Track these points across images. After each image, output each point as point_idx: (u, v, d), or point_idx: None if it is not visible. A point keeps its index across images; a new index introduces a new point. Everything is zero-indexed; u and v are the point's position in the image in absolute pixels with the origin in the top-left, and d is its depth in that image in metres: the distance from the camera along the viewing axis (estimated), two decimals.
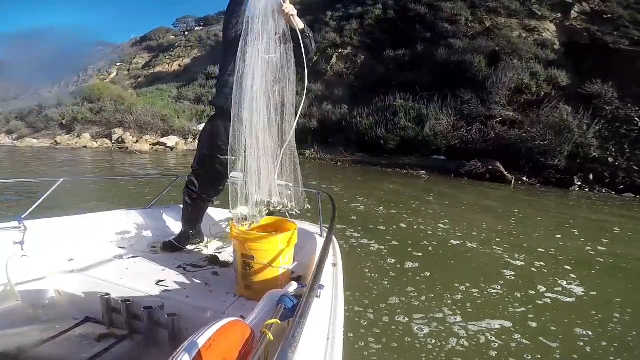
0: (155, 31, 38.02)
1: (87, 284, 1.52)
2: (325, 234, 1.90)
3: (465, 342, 2.14)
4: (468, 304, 2.60)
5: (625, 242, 4.51)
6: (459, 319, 2.39)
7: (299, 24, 1.62)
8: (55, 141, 19.87)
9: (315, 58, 19.21)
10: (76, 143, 19.11)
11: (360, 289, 2.76)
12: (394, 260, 3.41)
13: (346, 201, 6.08)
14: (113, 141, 18.85)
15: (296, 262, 1.58)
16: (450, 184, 8.88)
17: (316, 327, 0.96)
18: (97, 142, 19.05)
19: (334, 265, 1.49)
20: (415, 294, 2.73)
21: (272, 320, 0.85)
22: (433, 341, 2.15)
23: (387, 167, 11.32)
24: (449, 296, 2.72)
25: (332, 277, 1.35)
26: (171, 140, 17.45)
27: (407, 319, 2.35)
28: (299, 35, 1.59)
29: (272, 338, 0.78)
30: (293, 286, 1.12)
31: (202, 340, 0.74)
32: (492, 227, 4.86)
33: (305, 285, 1.02)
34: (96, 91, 22.88)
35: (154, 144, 17.70)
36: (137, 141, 18.22)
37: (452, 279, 3.04)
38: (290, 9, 1.57)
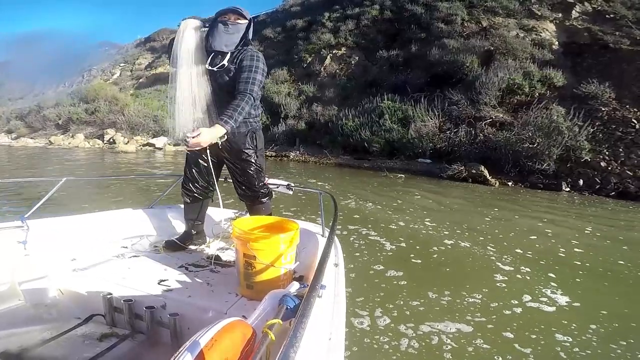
0: (159, 32, 37.64)
1: (89, 283, 1.52)
2: (327, 234, 1.92)
3: (452, 344, 2.15)
4: (452, 308, 2.58)
5: (608, 248, 4.35)
6: (444, 322, 2.38)
7: (218, 134, 1.72)
8: (49, 141, 19.86)
9: (310, 59, 19.10)
10: (69, 143, 19.16)
11: None
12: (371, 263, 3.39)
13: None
14: (104, 142, 18.91)
15: (298, 262, 1.59)
16: (428, 188, 8.26)
17: (318, 327, 0.97)
18: (89, 143, 19.15)
19: (336, 265, 1.51)
20: (394, 297, 2.71)
21: (274, 320, 0.85)
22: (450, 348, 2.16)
23: (369, 170, 11.05)
24: (430, 299, 2.70)
25: (334, 277, 1.36)
26: (160, 141, 17.50)
27: (392, 326, 2.32)
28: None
29: (273, 338, 0.78)
30: (295, 286, 1.13)
31: (204, 340, 0.75)
32: (469, 229, 4.74)
33: (307, 285, 1.03)
34: (92, 92, 22.82)
35: (143, 145, 17.76)
36: (127, 142, 18.25)
37: (431, 281, 3.01)
38: (196, 144, 1.69)
